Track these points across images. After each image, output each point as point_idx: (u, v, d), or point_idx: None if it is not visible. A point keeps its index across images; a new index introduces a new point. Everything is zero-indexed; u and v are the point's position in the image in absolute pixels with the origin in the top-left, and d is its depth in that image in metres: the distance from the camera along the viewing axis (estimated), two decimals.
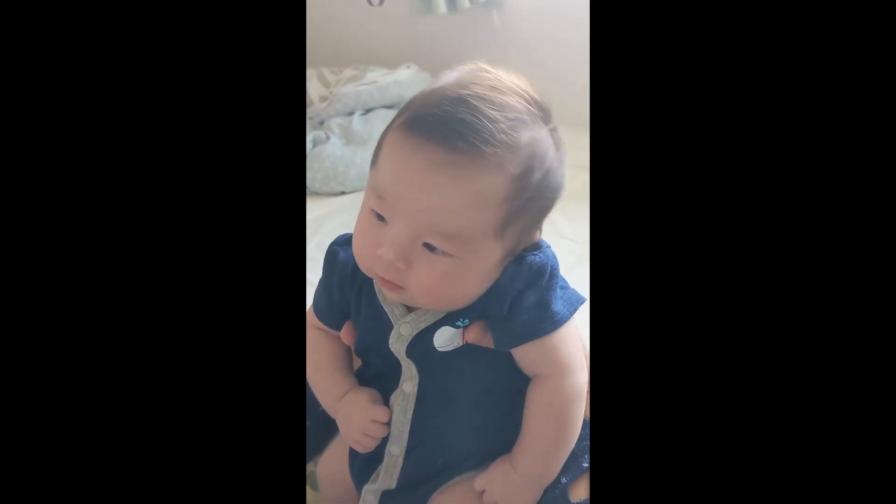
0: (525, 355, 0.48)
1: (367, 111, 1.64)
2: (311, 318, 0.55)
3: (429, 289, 0.44)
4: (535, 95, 0.45)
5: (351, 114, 1.64)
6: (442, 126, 0.41)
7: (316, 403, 0.63)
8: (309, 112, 1.72)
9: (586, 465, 0.51)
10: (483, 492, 0.51)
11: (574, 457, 0.51)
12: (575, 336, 0.48)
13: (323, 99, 1.73)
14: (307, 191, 1.52)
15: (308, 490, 0.89)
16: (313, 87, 1.77)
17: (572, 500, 0.50)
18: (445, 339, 0.47)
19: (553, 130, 0.46)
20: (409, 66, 1.72)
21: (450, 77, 0.45)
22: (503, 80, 0.44)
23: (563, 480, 0.51)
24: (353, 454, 0.56)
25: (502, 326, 0.47)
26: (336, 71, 1.82)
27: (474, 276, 0.45)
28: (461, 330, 0.47)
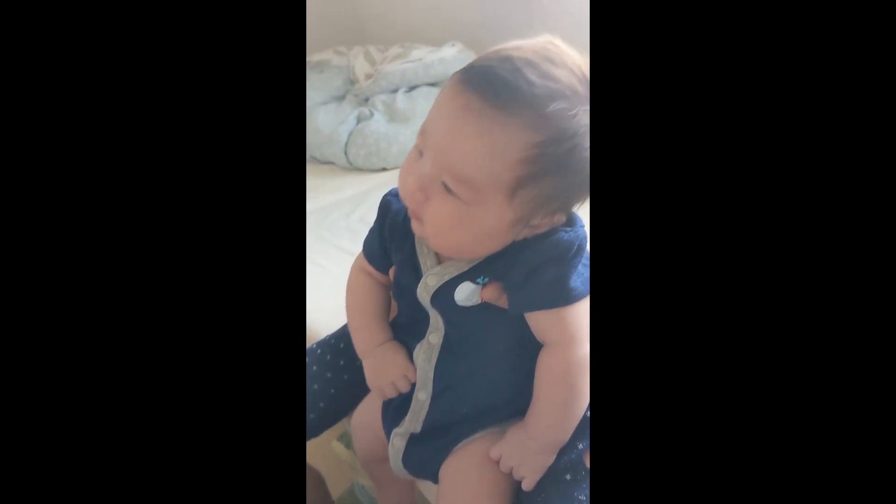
0: (536, 321, 0.50)
1: (411, 89, 1.66)
2: (360, 261, 0.61)
3: (438, 227, 0.48)
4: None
5: (395, 91, 1.66)
6: (482, 77, 0.44)
7: (341, 372, 0.68)
8: (354, 89, 1.75)
9: None
10: (500, 458, 0.53)
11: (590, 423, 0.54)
12: (588, 311, 0.49)
13: (368, 76, 1.75)
14: (350, 166, 1.56)
15: (342, 448, 0.94)
16: (359, 65, 1.80)
17: (588, 466, 0.53)
18: (465, 294, 0.50)
19: None
20: (453, 45, 1.73)
21: (518, 42, 0.47)
22: (562, 56, 0.45)
23: (580, 446, 0.54)
24: (386, 403, 0.60)
25: (518, 291, 0.49)
26: (382, 49, 1.84)
27: (480, 228, 0.47)
28: (480, 287, 0.50)
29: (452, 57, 1.67)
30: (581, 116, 0.44)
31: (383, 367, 0.57)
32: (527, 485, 0.53)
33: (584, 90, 0.45)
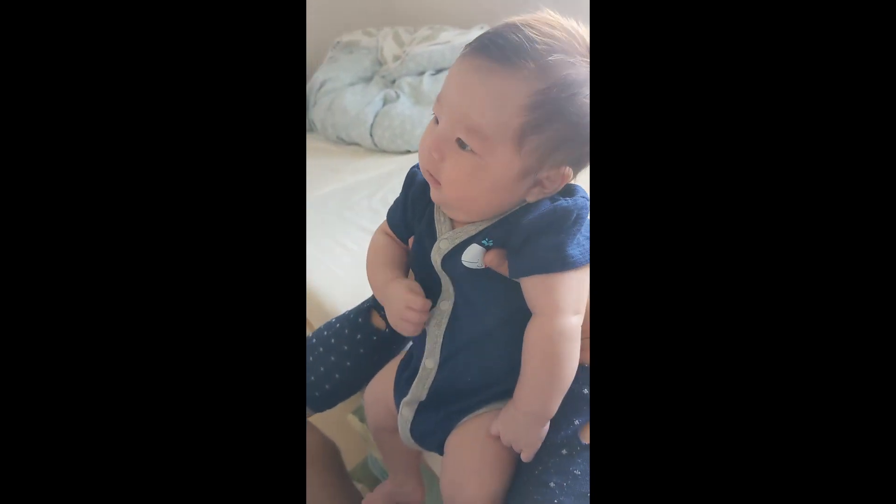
0: (529, 288, 0.52)
1: (438, 71, 1.66)
2: (383, 226, 0.65)
3: (453, 183, 0.51)
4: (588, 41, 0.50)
5: (422, 73, 1.67)
6: (487, 41, 0.49)
7: (357, 346, 0.70)
8: (381, 71, 1.76)
9: None
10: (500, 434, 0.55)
11: (585, 400, 0.55)
12: (581, 284, 0.51)
13: (396, 58, 1.76)
14: (375, 147, 1.59)
15: (357, 422, 0.97)
16: (388, 46, 1.81)
17: (583, 441, 0.54)
18: (471, 255, 0.53)
19: None
20: (482, 27, 1.72)
21: (520, 16, 0.51)
22: (561, 22, 0.50)
23: (576, 422, 0.55)
24: (400, 371, 0.63)
25: (516, 256, 0.51)
26: (411, 30, 1.85)
27: (491, 180, 0.51)
28: (485, 250, 0.53)
29: None
30: (580, 67, 0.49)
31: (391, 303, 0.58)
32: (525, 456, 0.55)
33: (582, 49, 0.49)
